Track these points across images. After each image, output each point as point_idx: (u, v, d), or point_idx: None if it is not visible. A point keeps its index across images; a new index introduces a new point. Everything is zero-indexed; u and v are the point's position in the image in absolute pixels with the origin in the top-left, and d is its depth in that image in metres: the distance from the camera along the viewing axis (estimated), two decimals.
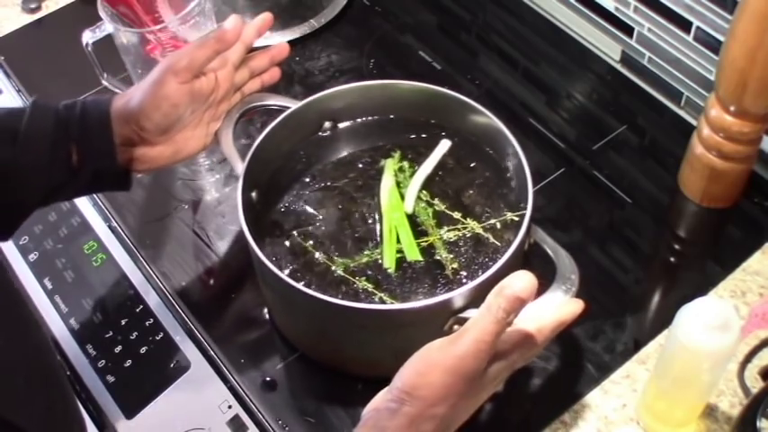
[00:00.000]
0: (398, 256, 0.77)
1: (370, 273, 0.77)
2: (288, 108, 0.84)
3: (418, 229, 0.80)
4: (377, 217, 0.81)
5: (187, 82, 0.74)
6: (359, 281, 0.76)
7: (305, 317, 0.77)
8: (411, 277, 0.76)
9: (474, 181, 0.83)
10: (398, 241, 0.79)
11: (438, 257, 0.77)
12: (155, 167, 0.79)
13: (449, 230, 0.79)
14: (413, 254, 0.77)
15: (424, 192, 0.82)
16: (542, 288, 0.72)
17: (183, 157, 0.80)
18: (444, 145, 0.84)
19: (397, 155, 0.85)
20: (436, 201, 0.81)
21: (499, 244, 0.77)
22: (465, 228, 0.78)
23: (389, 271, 0.77)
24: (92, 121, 0.73)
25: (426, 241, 0.79)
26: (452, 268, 0.77)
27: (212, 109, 0.81)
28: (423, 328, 0.73)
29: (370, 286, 0.76)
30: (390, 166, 0.84)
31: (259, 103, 0.86)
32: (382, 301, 0.74)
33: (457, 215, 0.79)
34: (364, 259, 0.78)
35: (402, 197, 0.81)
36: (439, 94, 0.84)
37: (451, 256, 0.77)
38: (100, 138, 0.73)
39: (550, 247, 0.75)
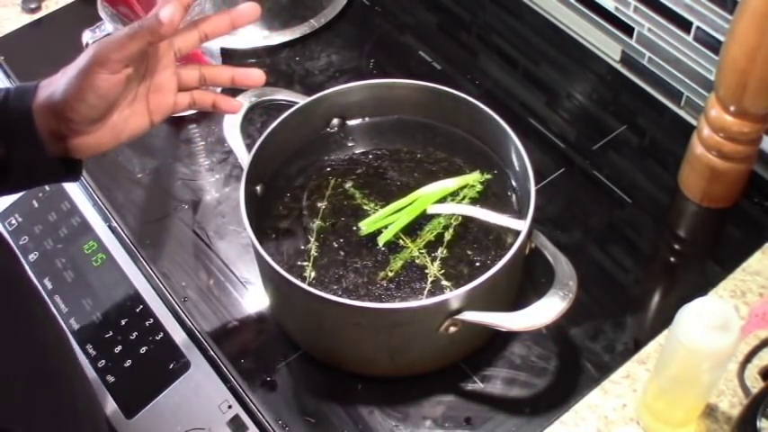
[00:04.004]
0: (378, 229, 0.79)
1: (342, 240, 0.79)
2: (296, 103, 0.84)
3: (415, 231, 0.80)
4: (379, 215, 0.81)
5: (117, 72, 0.66)
6: (312, 244, 0.79)
7: (302, 312, 0.78)
8: (349, 263, 0.78)
9: (476, 242, 0.80)
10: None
11: (391, 259, 0.78)
12: (98, 153, 0.72)
13: (423, 255, 0.78)
14: (384, 238, 0.79)
15: (456, 217, 0.80)
16: (540, 292, 0.73)
17: (126, 138, 0.72)
18: (520, 224, 0.76)
19: (488, 176, 0.83)
20: (450, 230, 0.80)
21: (426, 300, 0.74)
22: (427, 267, 0.78)
23: (361, 232, 0.79)
24: (14, 115, 0.67)
25: (405, 242, 0.79)
26: (385, 275, 0.77)
27: (147, 80, 0.71)
28: (417, 327, 0.73)
29: (314, 252, 0.78)
30: (470, 177, 0.82)
31: (268, 98, 0.87)
32: (302, 276, 0.76)
33: (441, 253, 0.78)
34: (365, 207, 0.81)
35: (443, 200, 0.81)
36: (449, 96, 0.85)
37: (400, 268, 0.77)
38: (23, 133, 0.67)
39: (551, 252, 0.75)
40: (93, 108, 0.67)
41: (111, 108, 0.69)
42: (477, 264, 0.77)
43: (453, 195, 0.82)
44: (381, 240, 0.79)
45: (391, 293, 0.76)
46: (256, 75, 0.74)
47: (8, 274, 0.59)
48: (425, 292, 0.76)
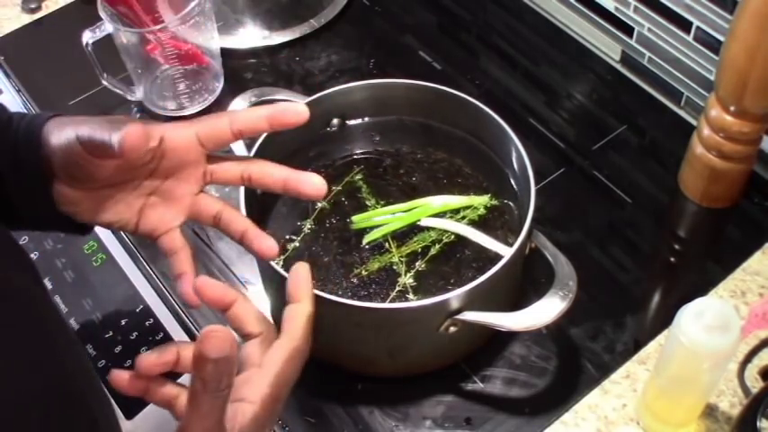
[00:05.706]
0: (369, 226, 0.80)
1: (335, 227, 0.81)
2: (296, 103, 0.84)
3: (404, 237, 0.80)
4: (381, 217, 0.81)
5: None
6: (308, 221, 0.81)
7: None
8: (333, 251, 0.79)
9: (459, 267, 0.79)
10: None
11: (371, 260, 0.78)
12: (74, 213, 0.66)
13: (401, 262, 0.78)
14: (369, 237, 0.79)
15: (448, 234, 0.79)
16: (540, 292, 0.73)
17: (105, 221, 0.66)
18: (506, 250, 0.75)
19: (495, 202, 0.82)
20: (436, 246, 0.79)
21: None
22: (399, 274, 0.78)
23: (353, 225, 0.80)
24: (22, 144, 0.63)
25: (389, 246, 0.79)
26: (358, 273, 0.77)
27: (158, 180, 0.66)
28: (418, 328, 0.73)
29: (306, 230, 0.81)
30: (477, 200, 0.82)
31: (268, 98, 0.86)
32: (285, 248, 0.79)
33: (419, 266, 0.78)
34: (366, 203, 0.82)
35: (442, 215, 0.81)
36: (449, 96, 0.84)
37: (375, 270, 0.78)
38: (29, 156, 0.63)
39: (551, 252, 0.75)
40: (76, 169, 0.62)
41: (94, 180, 0.64)
42: (449, 286, 0.77)
43: (454, 213, 0.82)
44: (366, 239, 0.79)
45: (356, 291, 0.76)
46: (317, 181, 0.67)
47: (30, 297, 0.57)
48: (388, 300, 0.76)
